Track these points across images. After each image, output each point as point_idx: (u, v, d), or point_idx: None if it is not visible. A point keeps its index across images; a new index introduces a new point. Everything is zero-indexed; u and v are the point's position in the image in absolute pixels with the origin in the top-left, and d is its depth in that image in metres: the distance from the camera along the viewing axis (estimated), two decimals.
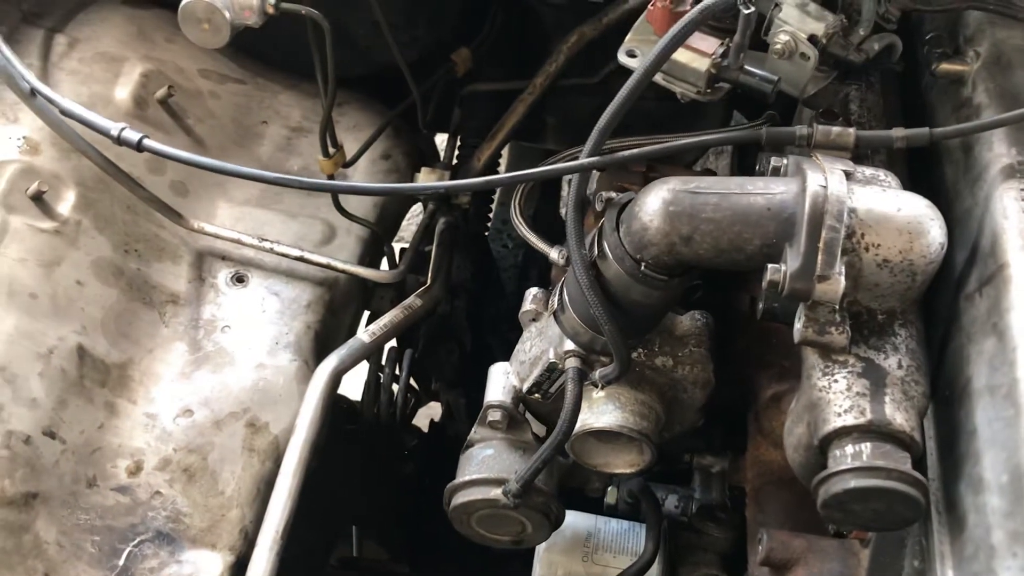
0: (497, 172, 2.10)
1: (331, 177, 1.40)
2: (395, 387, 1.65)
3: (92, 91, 1.43)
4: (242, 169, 1.04)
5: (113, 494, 1.23)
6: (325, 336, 1.40)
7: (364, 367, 1.63)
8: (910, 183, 1.03)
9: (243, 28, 1.23)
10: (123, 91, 1.45)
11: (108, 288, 1.32)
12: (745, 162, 1.71)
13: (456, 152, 1.73)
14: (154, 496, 1.24)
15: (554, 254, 1.27)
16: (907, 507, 0.89)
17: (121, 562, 1.19)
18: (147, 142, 1.08)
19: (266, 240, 1.41)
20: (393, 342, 1.72)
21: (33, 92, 1.23)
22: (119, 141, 1.10)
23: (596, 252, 1.05)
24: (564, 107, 1.67)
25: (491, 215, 2.10)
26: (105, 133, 1.10)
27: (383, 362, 1.61)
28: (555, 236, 1.31)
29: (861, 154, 1.06)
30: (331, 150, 1.37)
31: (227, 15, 1.18)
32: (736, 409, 1.40)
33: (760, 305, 1.12)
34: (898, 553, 1.01)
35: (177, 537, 1.22)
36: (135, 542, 1.21)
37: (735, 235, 0.95)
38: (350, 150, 1.47)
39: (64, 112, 1.13)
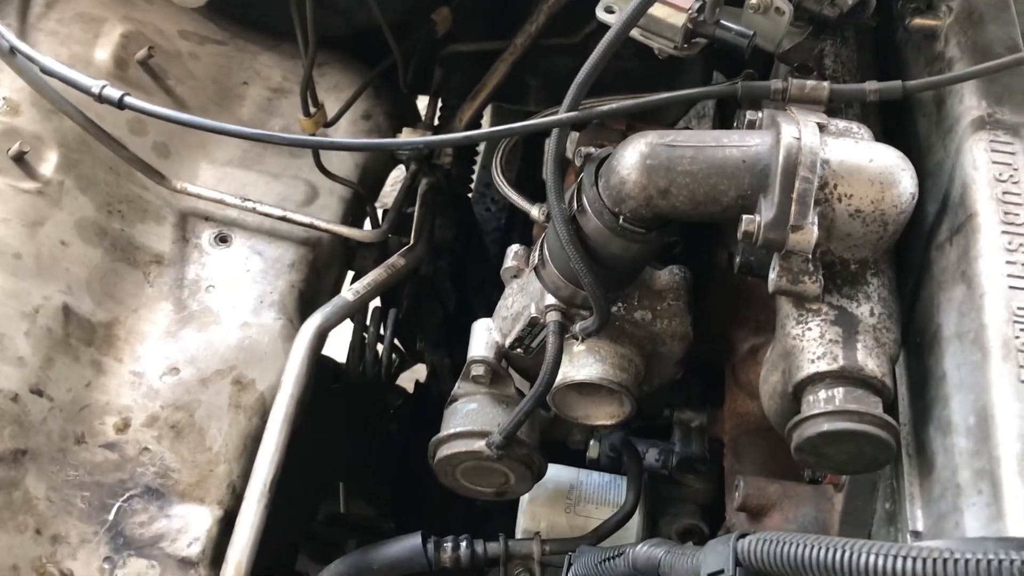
0: None
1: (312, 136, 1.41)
2: (380, 347, 1.67)
3: (72, 52, 1.42)
4: (221, 125, 1.05)
5: (101, 450, 1.25)
6: (309, 295, 1.41)
7: (349, 329, 1.66)
8: (884, 137, 1.05)
9: None
10: (103, 52, 1.45)
11: (92, 248, 1.33)
12: (727, 126, 1.72)
13: (438, 113, 1.74)
14: (142, 452, 1.25)
15: (535, 211, 1.29)
16: (878, 449, 0.92)
17: (111, 517, 1.21)
18: (128, 99, 1.08)
19: (249, 200, 1.42)
20: (377, 302, 1.74)
21: (12, 51, 1.23)
22: (100, 99, 1.10)
23: (576, 207, 1.07)
24: (545, 68, 1.68)
25: (473, 179, 2.11)
26: (86, 91, 1.10)
27: (367, 322, 1.62)
28: (537, 197, 1.33)
29: (835, 108, 1.08)
30: (312, 109, 1.37)
31: None
32: (714, 365, 1.42)
33: (737, 259, 1.14)
34: (870, 496, 1.04)
35: (166, 492, 1.24)
36: (124, 497, 1.23)
37: (711, 187, 0.97)
38: (331, 110, 1.47)
39: (44, 70, 1.13)
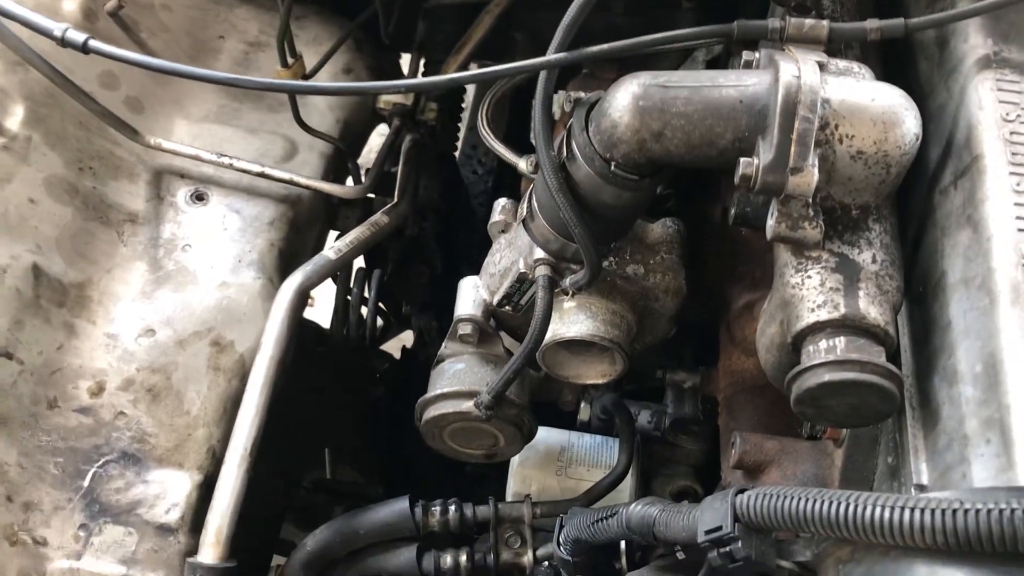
0: (463, 97, 2.07)
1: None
2: (364, 310, 1.63)
3: (38, 3, 1.36)
4: (191, 69, 1.00)
5: (75, 415, 1.20)
6: (289, 254, 1.37)
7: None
8: (884, 79, 1.01)
9: None
10: (71, 2, 1.39)
11: (62, 206, 1.28)
12: None
13: (421, 69, 1.69)
14: (118, 416, 1.21)
15: (522, 164, 1.24)
16: (881, 400, 0.88)
17: (86, 483, 1.17)
18: (93, 43, 1.03)
19: (225, 156, 1.37)
20: (362, 264, 1.69)
21: None
22: (63, 42, 1.05)
23: (565, 154, 1.02)
24: (532, 22, 1.63)
25: (460, 141, 2.06)
26: (47, 34, 1.05)
27: (351, 283, 1.58)
28: (525, 153, 1.28)
29: (834, 49, 1.03)
30: (289, 60, 1.32)
31: None
32: (708, 324, 1.39)
33: (732, 211, 1.10)
34: (872, 451, 1.01)
35: (143, 457, 1.20)
36: (100, 463, 1.19)
37: (707, 129, 0.92)
38: (311, 64, 1.42)
39: (3, 12, 1.07)
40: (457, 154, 2.08)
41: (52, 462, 1.17)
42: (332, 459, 1.65)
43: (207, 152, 1.37)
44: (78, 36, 1.04)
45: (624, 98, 0.94)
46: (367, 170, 1.57)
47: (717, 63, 1.44)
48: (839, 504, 0.78)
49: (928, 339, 0.94)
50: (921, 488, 0.89)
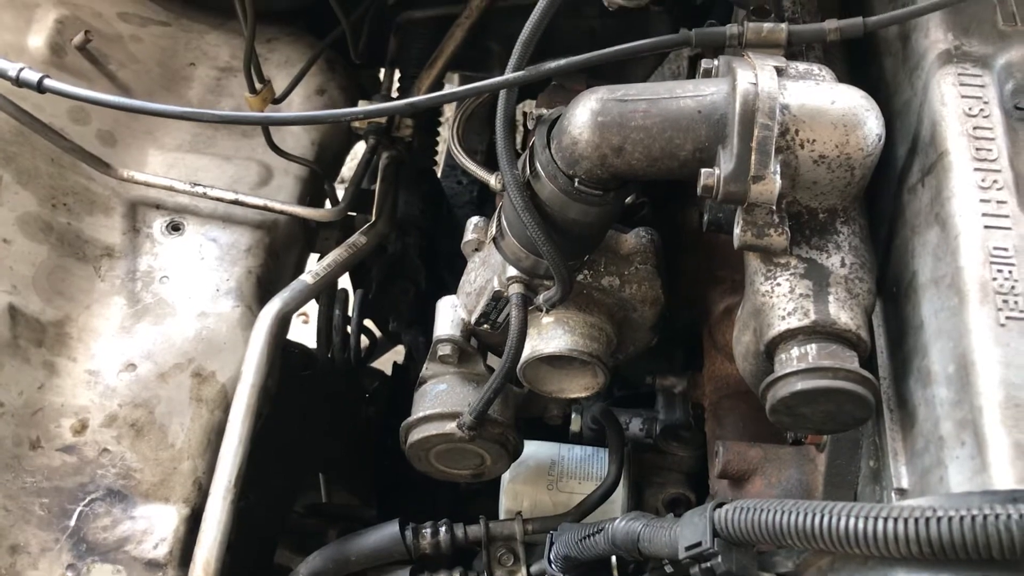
0: (441, 110, 2.06)
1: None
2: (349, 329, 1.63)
3: (3, 41, 1.36)
4: (152, 105, 1.00)
5: (59, 454, 1.20)
6: (268, 280, 1.36)
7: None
8: (849, 79, 1.00)
9: None
10: (37, 39, 1.39)
11: (37, 244, 1.28)
12: None
13: (395, 84, 1.68)
14: (102, 454, 1.21)
15: (492, 180, 1.23)
16: (856, 406, 0.87)
17: (72, 522, 1.17)
18: (48, 82, 1.03)
19: (199, 185, 1.36)
20: (348, 284, 1.69)
21: None
22: (18, 82, 1.04)
23: (529, 172, 1.02)
24: (507, 31, 1.61)
25: (438, 151, 2.05)
26: (2, 75, 1.05)
27: (334, 304, 1.57)
28: None
29: (796, 51, 1.03)
30: (258, 85, 1.31)
31: None
32: (695, 327, 1.38)
33: (705, 216, 1.10)
34: (853, 454, 1.00)
35: (129, 493, 1.20)
36: (85, 501, 1.18)
37: (667, 142, 0.91)
38: (282, 86, 1.42)
39: None
40: (441, 165, 2.07)
41: (37, 503, 1.17)
42: (326, 482, 1.65)
43: (181, 182, 1.36)
44: (33, 75, 1.03)
45: (583, 115, 0.94)
46: (346, 189, 1.56)
47: (699, 57, 1.43)
48: (815, 516, 0.77)
49: (903, 340, 0.93)
50: (901, 492, 0.88)
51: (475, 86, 0.98)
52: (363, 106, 1.45)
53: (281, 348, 1.30)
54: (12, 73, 1.04)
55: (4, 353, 1.19)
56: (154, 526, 1.18)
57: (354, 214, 1.54)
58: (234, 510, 1.16)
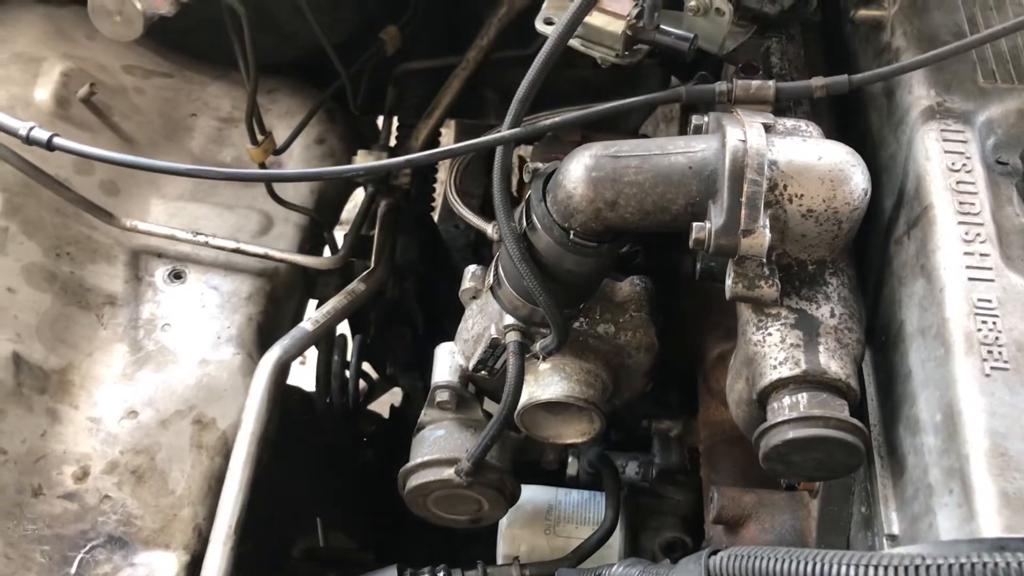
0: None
1: (262, 166, 1.38)
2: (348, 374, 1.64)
3: (10, 94, 1.39)
4: (153, 162, 1.03)
5: (60, 502, 1.21)
6: (268, 328, 1.38)
7: None
8: (836, 133, 1.03)
9: (158, 18, 1.21)
10: (43, 92, 1.42)
11: (41, 293, 1.30)
12: None
13: (394, 133, 1.71)
14: (103, 500, 1.22)
15: (490, 230, 1.26)
16: (847, 454, 0.89)
17: (73, 570, 1.18)
18: (57, 140, 1.05)
19: (201, 234, 1.38)
20: (347, 329, 1.71)
21: None
22: (28, 140, 1.07)
23: (525, 223, 1.04)
24: (502, 80, 1.65)
25: (440, 196, 2.08)
26: (13, 133, 1.07)
27: (332, 350, 1.59)
28: None
29: (784, 107, 1.06)
30: (259, 137, 1.34)
31: (138, 6, 1.15)
32: (691, 372, 1.40)
33: (698, 266, 1.12)
34: (846, 500, 1.02)
35: (129, 540, 1.20)
36: (86, 548, 1.19)
37: (659, 196, 0.94)
38: (283, 137, 1.45)
39: None
40: (438, 209, 2.10)
41: (39, 550, 1.18)
42: (324, 526, 1.65)
43: (183, 231, 1.39)
44: (43, 134, 1.06)
45: (577, 170, 0.96)
46: (345, 235, 1.59)
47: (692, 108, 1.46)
48: (808, 564, 0.78)
49: (892, 388, 0.95)
50: (892, 539, 0.90)
51: (473, 143, 1.01)
52: (362, 158, 1.48)
53: (281, 394, 1.32)
54: (23, 132, 1.06)
55: (8, 401, 1.21)
56: (154, 572, 1.19)
57: (353, 259, 1.57)
58: (234, 556, 1.17)
